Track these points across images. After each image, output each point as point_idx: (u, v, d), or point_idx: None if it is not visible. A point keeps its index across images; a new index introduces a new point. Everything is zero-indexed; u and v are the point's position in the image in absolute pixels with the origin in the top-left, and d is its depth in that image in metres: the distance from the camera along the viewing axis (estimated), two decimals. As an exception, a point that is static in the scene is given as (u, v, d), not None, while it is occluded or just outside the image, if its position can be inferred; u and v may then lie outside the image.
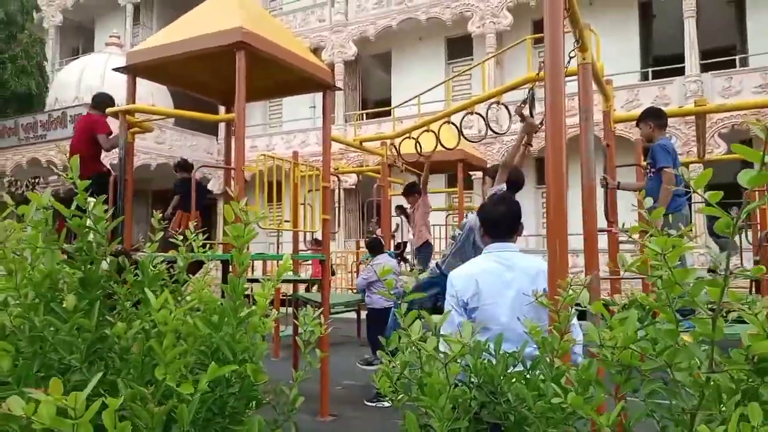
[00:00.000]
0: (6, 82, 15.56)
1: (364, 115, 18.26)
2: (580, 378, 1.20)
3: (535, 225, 15.27)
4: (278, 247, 9.13)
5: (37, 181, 16.44)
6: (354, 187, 16.88)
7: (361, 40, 17.48)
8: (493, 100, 5.51)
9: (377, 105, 19.30)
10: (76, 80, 16.08)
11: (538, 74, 3.09)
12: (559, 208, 1.97)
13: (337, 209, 10.18)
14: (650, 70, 15.15)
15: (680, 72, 13.88)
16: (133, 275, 1.74)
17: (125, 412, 1.12)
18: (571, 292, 1.41)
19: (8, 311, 1.26)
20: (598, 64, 3.99)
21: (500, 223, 2.50)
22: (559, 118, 1.99)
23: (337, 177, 9.70)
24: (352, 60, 17.92)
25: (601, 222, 4.20)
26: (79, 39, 24.46)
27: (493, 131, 5.83)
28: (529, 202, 15.37)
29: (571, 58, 3.05)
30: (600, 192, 4.60)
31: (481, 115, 5.62)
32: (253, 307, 1.60)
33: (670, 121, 5.01)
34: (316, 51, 17.42)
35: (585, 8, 13.70)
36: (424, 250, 7.75)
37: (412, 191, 7.72)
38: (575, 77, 3.44)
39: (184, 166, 7.75)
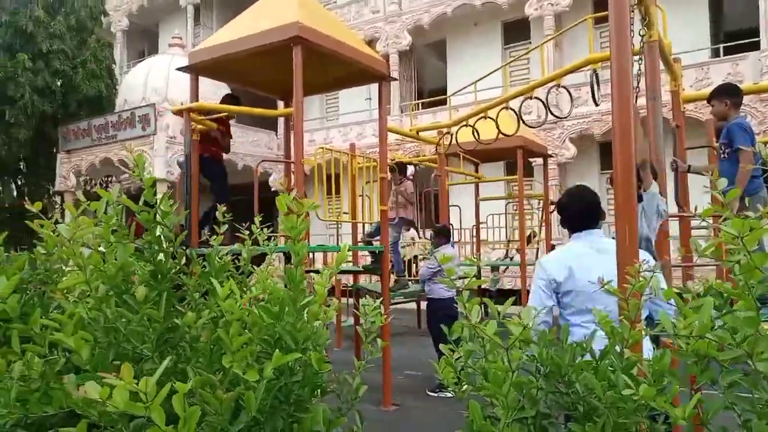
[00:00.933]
0: (78, 86, 16.35)
1: (420, 104, 18.17)
2: (653, 369, 1.15)
3: (599, 211, 14.80)
4: (338, 239, 9.24)
5: (109, 179, 17.28)
6: (411, 177, 16.84)
7: (416, 29, 17.37)
8: (552, 83, 5.35)
9: (432, 94, 19.16)
10: (143, 82, 16.75)
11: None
12: (627, 191, 1.89)
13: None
14: (721, 46, 14.32)
15: (755, 47, 13.06)
16: (200, 267, 1.81)
17: (195, 399, 1.15)
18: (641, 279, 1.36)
19: (84, 303, 1.33)
20: (665, 42, 3.80)
21: (581, 216, 2.65)
22: (626, 98, 1.90)
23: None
24: (407, 50, 17.84)
25: (672, 206, 4.02)
26: (144, 42, 25.49)
27: (554, 115, 5.67)
28: (593, 187, 14.91)
29: (642, 36, 2.92)
30: (670, 175, 4.40)
31: (540, 100, 5.47)
32: (312, 297, 1.62)
33: (744, 99, 4.73)
34: (371, 42, 17.45)
35: (649, -16, 13.11)
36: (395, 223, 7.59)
37: (399, 171, 7.76)
38: (641, 56, 3.29)
39: None
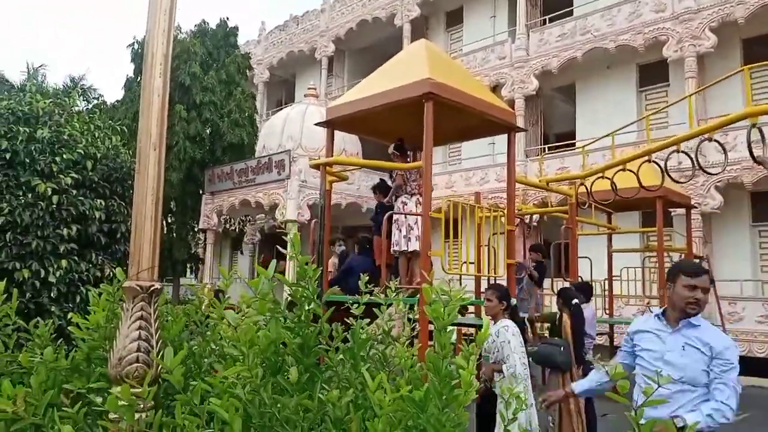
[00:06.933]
0: (224, 133, 17.96)
1: (546, 148, 17.71)
2: None
3: (752, 268, 13.30)
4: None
5: (248, 218, 18.55)
6: (536, 224, 16.32)
7: (543, 73, 17.07)
8: (705, 136, 4.93)
9: (560, 138, 18.61)
10: (280, 129, 17.96)
11: None
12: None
13: (521, 250, 9.89)
14: None
15: None
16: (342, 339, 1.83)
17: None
18: None
19: (242, 383, 1.38)
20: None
21: None
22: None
23: (521, 219, 9.45)
24: (533, 94, 17.56)
25: None
26: (282, 91, 27.47)
27: (705, 171, 5.23)
28: (744, 241, 13.47)
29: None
30: None
31: (688, 155, 5.07)
32: (457, 385, 1.57)
33: None
34: (496, 88, 17.41)
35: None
36: None
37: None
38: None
39: (381, 187, 6.91)
